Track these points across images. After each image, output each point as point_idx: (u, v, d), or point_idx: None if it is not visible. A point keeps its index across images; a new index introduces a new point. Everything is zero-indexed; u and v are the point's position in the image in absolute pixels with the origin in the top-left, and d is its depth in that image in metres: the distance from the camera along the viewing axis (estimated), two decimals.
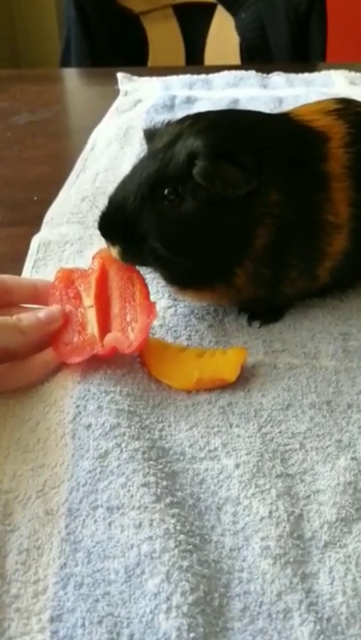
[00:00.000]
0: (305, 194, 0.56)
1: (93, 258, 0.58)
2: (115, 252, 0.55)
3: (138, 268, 0.57)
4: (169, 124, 0.59)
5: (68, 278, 0.57)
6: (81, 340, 0.54)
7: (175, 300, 0.63)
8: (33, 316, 0.54)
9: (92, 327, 0.54)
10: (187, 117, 0.57)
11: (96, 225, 0.56)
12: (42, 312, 0.54)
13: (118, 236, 0.55)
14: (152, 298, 0.55)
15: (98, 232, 0.74)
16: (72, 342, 0.54)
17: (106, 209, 0.56)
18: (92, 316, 0.55)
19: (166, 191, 0.53)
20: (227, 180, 0.51)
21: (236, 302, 0.61)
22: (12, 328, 0.52)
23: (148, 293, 0.55)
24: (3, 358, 0.52)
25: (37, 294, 0.57)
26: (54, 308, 0.55)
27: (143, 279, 0.56)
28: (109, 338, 0.53)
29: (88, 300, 0.56)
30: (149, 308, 0.54)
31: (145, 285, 0.55)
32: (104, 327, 0.54)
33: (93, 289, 0.56)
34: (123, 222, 0.54)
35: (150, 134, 0.59)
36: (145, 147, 0.90)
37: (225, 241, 0.55)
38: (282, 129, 0.58)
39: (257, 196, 0.53)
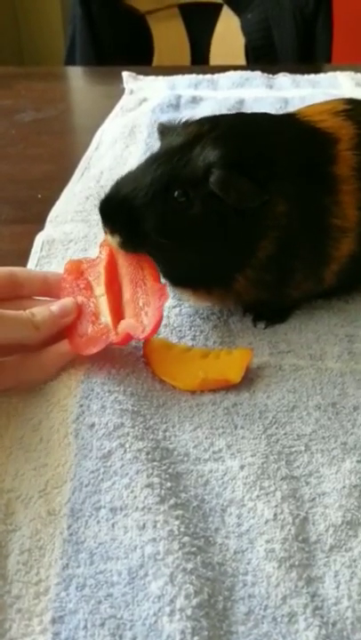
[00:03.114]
0: (313, 199, 0.56)
1: (101, 246, 0.57)
2: (114, 240, 0.54)
3: None
4: (186, 123, 0.58)
5: (78, 269, 0.57)
6: (95, 330, 0.53)
7: (180, 299, 0.63)
8: (46, 310, 0.53)
9: (105, 316, 0.53)
10: (205, 120, 0.57)
11: (98, 208, 0.55)
12: (55, 305, 0.53)
13: (121, 227, 0.54)
14: None
15: (102, 231, 0.75)
16: (86, 333, 0.53)
17: (112, 196, 0.55)
18: (104, 305, 0.54)
19: (177, 193, 0.53)
20: (241, 192, 0.52)
21: (237, 304, 0.61)
22: (26, 323, 0.51)
23: (158, 276, 0.54)
24: (17, 352, 0.52)
25: (48, 287, 0.56)
26: (67, 300, 0.54)
27: (152, 262, 0.55)
28: (123, 325, 0.52)
29: (99, 288, 0.55)
30: (161, 290, 0.53)
31: (155, 268, 0.54)
32: (117, 315, 0.53)
33: (103, 277, 0.55)
34: (128, 214, 0.53)
35: (164, 129, 0.59)
36: (151, 145, 0.91)
37: (228, 250, 0.55)
38: (292, 134, 0.58)
39: (265, 207, 0.53)
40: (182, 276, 0.57)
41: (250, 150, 0.54)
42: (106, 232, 0.55)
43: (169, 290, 0.62)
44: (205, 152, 0.53)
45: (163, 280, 0.55)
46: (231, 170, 0.52)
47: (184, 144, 0.54)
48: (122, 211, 0.54)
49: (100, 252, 0.57)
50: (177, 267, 0.55)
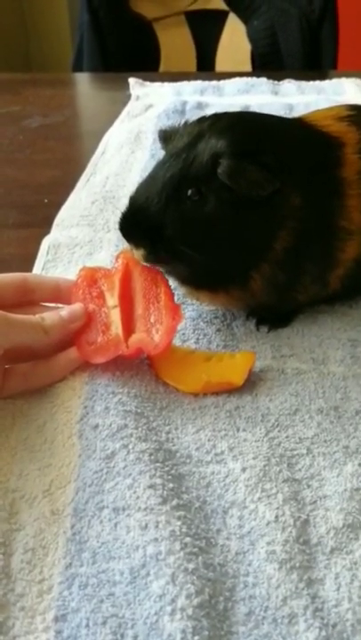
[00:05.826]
0: (322, 198, 0.56)
1: (117, 257, 0.57)
2: (138, 254, 0.54)
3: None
4: (186, 124, 0.58)
5: (92, 277, 0.57)
6: (105, 340, 0.53)
7: (183, 303, 0.63)
8: (56, 314, 0.53)
9: (117, 327, 0.54)
10: (205, 117, 0.57)
11: (117, 227, 0.56)
12: (64, 310, 0.54)
13: (143, 239, 0.54)
14: None
15: (107, 235, 0.76)
16: (96, 342, 0.53)
17: (128, 211, 0.55)
18: (116, 316, 0.54)
19: (190, 192, 0.53)
20: (251, 180, 0.51)
21: (249, 307, 0.61)
22: (36, 327, 0.52)
23: (172, 295, 0.55)
24: (26, 357, 0.53)
25: (59, 293, 0.56)
26: (77, 306, 0.55)
27: (167, 281, 0.55)
28: (134, 338, 0.53)
29: (112, 299, 0.55)
30: (175, 309, 0.53)
31: (169, 287, 0.55)
32: (128, 328, 0.54)
33: (117, 289, 0.55)
34: (147, 224, 0.53)
35: (166, 135, 0.59)
36: (156, 151, 0.91)
37: (247, 242, 0.55)
38: (299, 132, 0.58)
39: (279, 198, 0.53)
40: (204, 278, 0.57)
41: (258, 140, 0.54)
42: (132, 249, 0.55)
43: (182, 301, 0.62)
44: (210, 144, 0.53)
45: (180, 293, 0.54)
46: (239, 158, 0.51)
47: (188, 143, 0.54)
48: (140, 222, 0.54)
49: (117, 263, 0.57)
50: (199, 268, 0.55)
